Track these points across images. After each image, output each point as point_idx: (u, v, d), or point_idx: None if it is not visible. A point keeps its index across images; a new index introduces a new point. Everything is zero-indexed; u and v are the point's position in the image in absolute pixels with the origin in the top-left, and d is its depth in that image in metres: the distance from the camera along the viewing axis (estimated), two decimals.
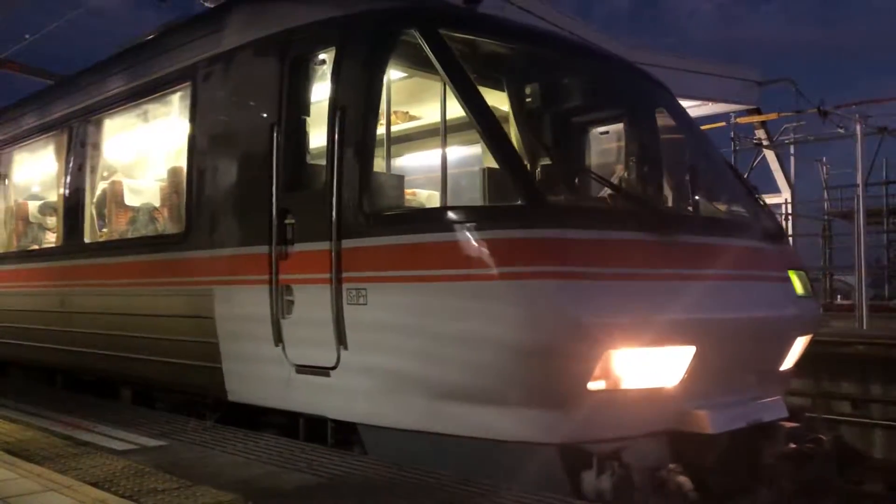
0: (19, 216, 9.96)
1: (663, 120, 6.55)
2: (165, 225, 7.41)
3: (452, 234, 4.60)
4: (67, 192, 8.25)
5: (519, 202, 4.69)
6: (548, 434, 4.45)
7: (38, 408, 6.61)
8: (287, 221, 5.36)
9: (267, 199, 5.46)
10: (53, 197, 9.18)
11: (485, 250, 4.44)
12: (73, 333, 7.77)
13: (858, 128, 17.70)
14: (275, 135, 5.47)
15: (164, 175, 7.56)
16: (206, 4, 12.31)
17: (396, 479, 4.16)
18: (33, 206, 9.89)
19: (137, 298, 6.88)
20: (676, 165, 6.30)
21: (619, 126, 6.66)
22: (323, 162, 5.24)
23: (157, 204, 7.79)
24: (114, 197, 7.94)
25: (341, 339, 4.96)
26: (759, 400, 5.16)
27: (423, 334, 4.66)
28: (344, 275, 4.94)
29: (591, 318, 4.31)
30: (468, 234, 4.54)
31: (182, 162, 6.68)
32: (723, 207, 6.06)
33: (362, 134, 5.05)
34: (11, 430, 5.60)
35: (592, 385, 4.38)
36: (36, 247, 9.42)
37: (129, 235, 7.68)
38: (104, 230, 8.06)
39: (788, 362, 5.48)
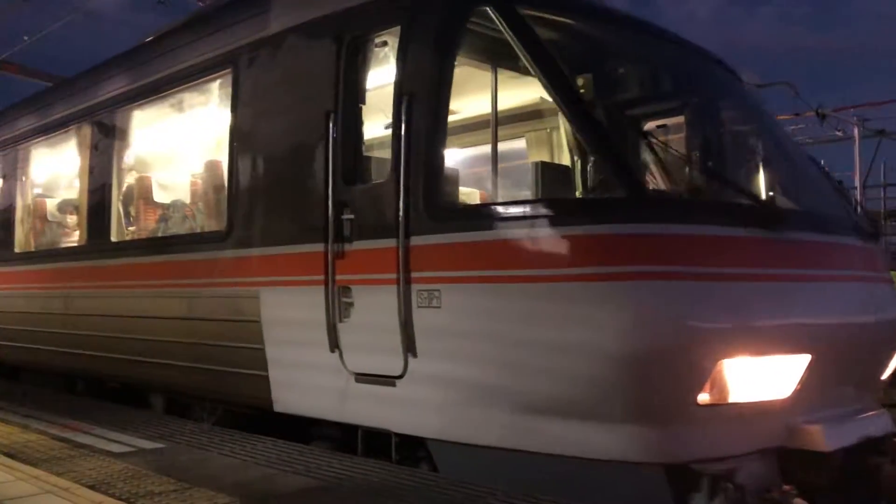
0: (37, 214, 9.52)
1: (749, 110, 6.10)
2: (202, 222, 6.95)
3: (546, 229, 4.19)
4: (91, 188, 7.81)
5: (619, 195, 4.23)
6: (651, 453, 4.00)
7: (36, 410, 6.60)
8: (345, 217, 4.94)
9: (321, 194, 5.06)
10: (74, 194, 8.86)
11: (583, 248, 4.03)
12: (97, 338, 7.35)
13: (857, 131, 17.73)
14: (330, 124, 5.07)
15: (200, 169, 7.11)
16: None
17: (395, 482, 4.15)
18: (52, 204, 9.49)
19: (171, 301, 6.43)
20: (768, 158, 5.66)
21: (710, 115, 6.06)
22: (386, 152, 4.90)
23: (190, 200, 7.38)
24: (142, 193, 7.59)
25: (409, 346, 4.55)
26: (864, 413, 4.70)
27: (508, 341, 4.21)
28: (413, 275, 4.53)
29: (706, 324, 3.93)
30: (563, 229, 4.12)
31: (221, 155, 6.34)
32: (818, 203, 5.40)
33: (433, 121, 4.63)
34: (8, 432, 5.59)
35: (702, 398, 3.96)
36: (55, 246, 8.97)
37: (160, 234, 7.26)
38: (131, 228, 7.67)
39: (888, 371, 5.05)
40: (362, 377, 4.88)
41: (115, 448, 5.03)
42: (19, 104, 10.23)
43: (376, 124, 5.19)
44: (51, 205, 9.53)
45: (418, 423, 4.65)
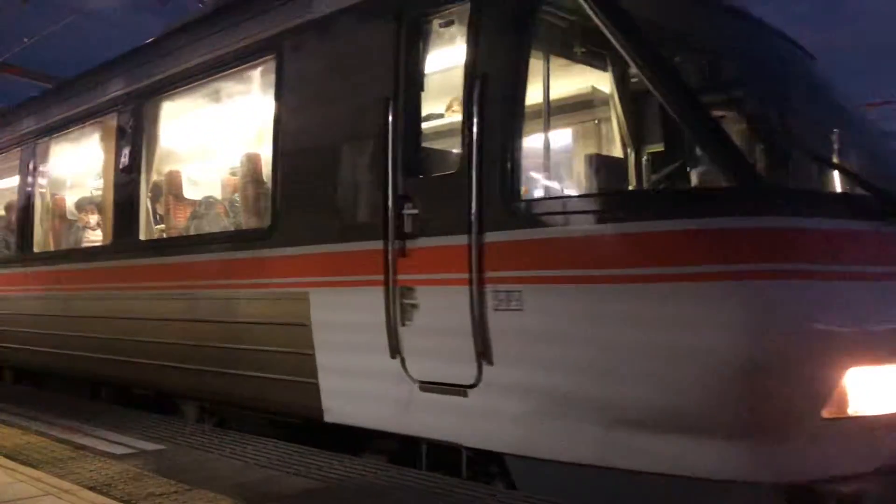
0: (55, 213, 9.05)
1: (838, 97, 5.51)
2: (240, 219, 6.51)
3: (651, 223, 3.76)
4: (117, 184, 7.31)
5: (732, 185, 3.76)
6: (771, 471, 3.59)
7: (36, 412, 6.60)
8: (406, 212, 4.55)
9: (379, 186, 4.69)
10: (96, 191, 8.51)
11: (696, 244, 3.65)
12: (123, 342, 6.89)
13: None
14: (389, 111, 4.67)
15: (237, 163, 6.65)
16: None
17: (395, 483, 4.15)
18: (70, 202, 9.07)
19: (208, 303, 5.99)
20: (869, 147, 5.15)
21: (807, 100, 5.41)
22: (453, 141, 4.59)
23: (227, 195, 6.96)
24: (171, 189, 7.16)
25: (484, 352, 4.15)
26: None
27: (605, 347, 3.81)
28: (487, 274, 4.14)
29: (834, 328, 3.57)
30: (671, 223, 3.71)
31: (262, 147, 5.99)
32: None
33: (511, 106, 4.24)
34: (9, 434, 5.59)
35: (828, 410, 3.55)
36: (76, 246, 8.39)
37: (192, 232, 6.75)
38: (159, 226, 7.24)
39: None
40: (428, 386, 4.46)
41: (116, 450, 5.03)
42: (37, 98, 9.70)
43: (440, 111, 4.88)
44: (69, 203, 9.12)
45: (494, 436, 4.22)
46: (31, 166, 9.01)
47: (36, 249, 8.84)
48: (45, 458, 4.77)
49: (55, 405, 7.02)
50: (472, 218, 4.21)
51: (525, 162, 4.36)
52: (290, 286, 5.26)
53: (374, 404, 4.78)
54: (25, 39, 15.88)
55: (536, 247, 4.04)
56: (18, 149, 9.33)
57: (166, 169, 7.30)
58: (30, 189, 9.03)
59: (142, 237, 6.96)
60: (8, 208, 10.13)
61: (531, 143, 4.67)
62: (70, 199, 9.18)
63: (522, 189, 4.36)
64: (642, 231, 3.79)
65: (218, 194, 7.11)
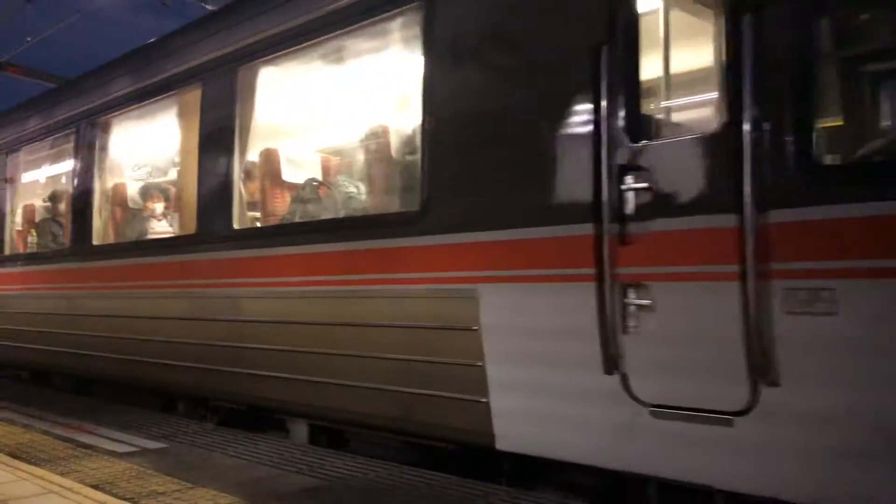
0: (115, 201, 7.93)
1: None
2: (365, 202, 5.58)
3: None
4: (203, 166, 6.23)
5: None
6: None
7: (39, 410, 6.61)
8: (629, 186, 3.58)
9: (587, 155, 3.72)
10: (170, 175, 7.68)
11: None
12: (210, 347, 5.94)
13: None
14: (602, 61, 3.69)
15: (364, 136, 5.67)
16: (208, 7, 12.31)
17: (397, 482, 4.15)
18: (133, 189, 8.00)
19: (330, 302, 5.02)
20: None
21: None
22: (697, 93, 3.87)
23: (347, 174, 5.91)
24: (268, 170, 6.10)
25: (764, 369, 3.20)
26: None
27: None
28: (774, 266, 3.18)
29: None
30: None
31: (404, 114, 5.05)
32: None
33: (800, 38, 3.21)
34: (12, 432, 5.60)
35: None
36: (147, 238, 7.34)
37: (299, 219, 5.69)
38: (251, 214, 6.21)
39: None
40: (664, 411, 3.50)
41: (119, 448, 5.04)
42: (93, 73, 8.34)
43: (674, 58, 3.94)
44: (132, 190, 8.02)
45: (771, 479, 3.26)
46: (85, 150, 7.93)
47: (96, 242, 7.72)
48: (48, 457, 4.78)
49: (58, 403, 7.03)
50: (748, 191, 3.23)
51: (831, 113, 3.35)
52: (451, 281, 4.33)
53: (574, 432, 3.82)
54: (28, 39, 15.89)
55: (864, 228, 2.98)
56: (68, 131, 8.27)
57: (261, 147, 6.20)
58: (86, 175, 7.89)
59: (235, 226, 5.88)
60: (54, 198, 9.17)
61: (842, 87, 3.51)
62: (133, 186, 8.07)
63: (836, 150, 3.34)
64: None
65: (341, 173, 6.02)
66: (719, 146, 3.37)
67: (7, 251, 9.54)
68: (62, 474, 4.32)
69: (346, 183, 5.77)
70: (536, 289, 3.95)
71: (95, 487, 4.02)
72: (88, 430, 5.67)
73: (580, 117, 3.79)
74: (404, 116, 5.13)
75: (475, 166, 4.28)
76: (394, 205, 5.26)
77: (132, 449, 5.01)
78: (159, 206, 7.50)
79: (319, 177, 6.11)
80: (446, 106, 4.47)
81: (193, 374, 6.11)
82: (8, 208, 9.75)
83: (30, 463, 4.61)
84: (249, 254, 5.67)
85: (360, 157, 5.77)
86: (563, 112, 3.88)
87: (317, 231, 5.31)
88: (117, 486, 4.04)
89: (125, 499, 3.82)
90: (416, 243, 4.52)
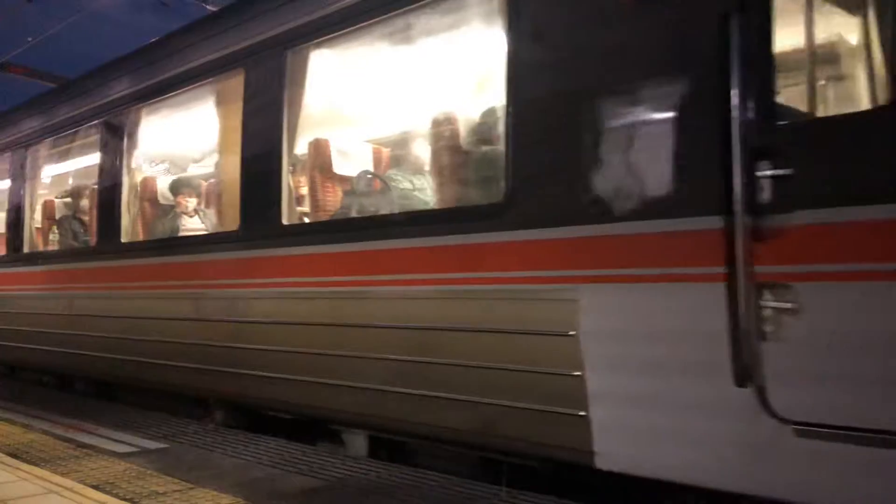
0: (144, 196, 7.47)
1: None
2: (431, 194, 5.22)
3: None
4: (247, 158, 5.71)
5: None
6: None
7: (40, 410, 6.61)
8: (767, 173, 3.16)
9: (714, 137, 3.29)
10: (206, 167, 7.31)
11: None
12: (251, 352, 5.49)
13: None
14: (733, 30, 3.24)
15: (429, 123, 5.21)
16: (210, 8, 12.31)
17: (396, 482, 4.16)
18: (163, 184, 7.55)
19: (396, 304, 4.56)
20: None
21: None
22: (848, 67, 3.46)
23: (398, 166, 5.60)
24: (317, 162, 5.72)
25: None
26: None
27: None
28: None
29: None
30: None
31: (486, 93, 4.68)
32: None
33: None
34: (12, 432, 5.61)
35: None
36: (184, 235, 6.92)
37: (356, 214, 5.30)
38: (299, 209, 5.87)
39: None
40: (812, 430, 3.09)
41: (119, 448, 5.04)
42: (121, 60, 7.73)
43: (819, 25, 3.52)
44: (161, 184, 7.57)
45: None
46: (114, 142, 7.42)
47: (125, 240, 7.20)
48: (48, 457, 4.79)
49: (58, 403, 7.03)
50: None
51: None
52: (544, 281, 3.89)
53: (694, 451, 3.40)
54: (29, 39, 15.91)
55: None
56: (93, 123, 7.78)
57: (310, 137, 5.80)
58: (115, 170, 7.35)
59: (285, 221, 5.41)
60: (76, 194, 8.77)
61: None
62: (161, 181, 7.62)
63: None
64: None
65: (371, 166, 5.69)
66: (887, 125, 2.93)
67: (27, 249, 9.03)
68: (62, 474, 4.32)
69: (400, 177, 5.42)
70: (651, 290, 3.52)
71: (96, 487, 4.03)
72: (88, 430, 5.68)
73: (707, 95, 3.35)
74: (484, 98, 4.73)
75: (573, 153, 3.78)
76: (468, 197, 4.83)
77: (132, 449, 5.02)
78: (191, 202, 7.14)
79: (375, 168, 5.71)
80: (541, 86, 3.98)
81: (243, 382, 5.59)
82: (28, 204, 9.14)
83: (30, 463, 4.61)
84: (302, 251, 5.20)
85: (426, 147, 5.36)
86: (685, 89, 3.44)
87: (373, 227, 4.88)
88: (117, 487, 4.04)
89: (125, 499, 3.82)
90: (498, 239, 4.04)
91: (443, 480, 4.16)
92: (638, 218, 3.52)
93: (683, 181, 3.42)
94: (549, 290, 3.82)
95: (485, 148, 4.74)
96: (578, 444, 3.71)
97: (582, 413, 3.67)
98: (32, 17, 15.67)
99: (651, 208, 3.49)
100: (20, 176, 9.18)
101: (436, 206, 5.02)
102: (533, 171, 3.94)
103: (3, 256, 9.37)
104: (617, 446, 3.62)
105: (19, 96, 10.80)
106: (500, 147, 4.23)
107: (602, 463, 3.66)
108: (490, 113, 4.74)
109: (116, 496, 3.88)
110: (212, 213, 7.01)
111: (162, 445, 5.14)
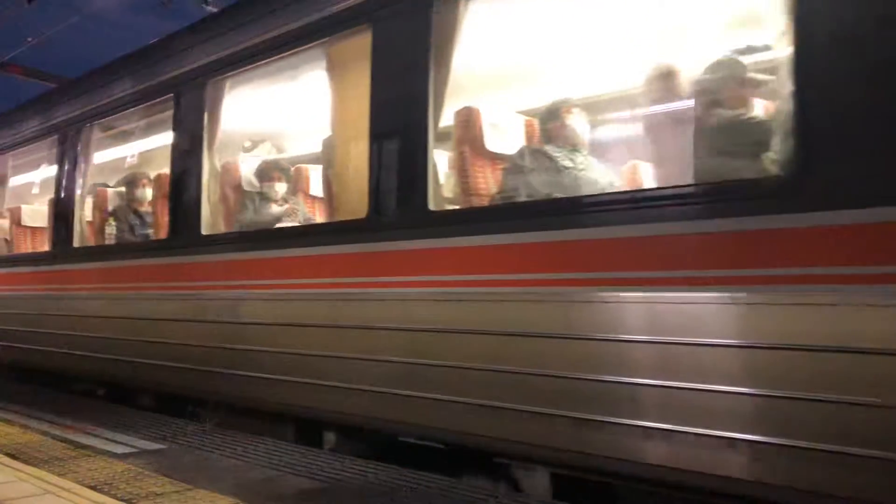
0: (228, 182, 6.42)
1: None
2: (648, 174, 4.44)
3: None
4: (378, 131, 4.73)
5: None
6: None
7: (38, 410, 6.61)
8: None
9: None
10: (306, 149, 6.58)
11: None
12: (377, 363, 4.54)
13: None
14: None
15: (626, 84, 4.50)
16: (210, 9, 12.31)
17: (394, 484, 4.15)
18: (247, 169, 6.54)
19: (612, 308, 3.51)
20: None
21: None
22: None
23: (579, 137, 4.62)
24: (469, 136, 4.78)
25: None
26: None
27: None
28: None
29: None
30: None
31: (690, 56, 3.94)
32: None
33: None
34: (10, 433, 5.60)
35: None
36: (269, 227, 6.01)
37: (525, 196, 4.35)
38: (450, 195, 4.81)
39: None
40: None
41: (117, 449, 5.04)
42: (192, 28, 6.76)
43: None
44: (246, 170, 6.54)
45: None
46: (186, 121, 6.36)
47: (205, 232, 6.11)
48: (45, 457, 4.78)
49: (56, 404, 7.02)
50: None
51: None
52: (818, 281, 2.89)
53: None
54: (29, 39, 15.91)
55: None
56: (158, 99, 6.81)
57: (456, 106, 4.80)
58: (187, 153, 6.33)
59: (431, 207, 4.41)
60: (132, 182, 7.80)
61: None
62: (245, 166, 6.60)
63: None
64: None
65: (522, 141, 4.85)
66: None
67: (77, 244, 7.79)
68: (60, 475, 4.31)
69: (560, 154, 4.49)
70: None
71: (93, 488, 4.02)
72: (87, 430, 5.67)
73: None
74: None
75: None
76: (675, 174, 3.88)
77: (130, 450, 5.01)
78: (280, 188, 6.30)
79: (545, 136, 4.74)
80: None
81: (339, 396, 4.76)
82: (80, 193, 7.91)
83: (28, 463, 4.60)
84: (462, 243, 4.19)
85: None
86: None
87: (559, 213, 3.89)
88: (115, 488, 4.03)
89: (123, 500, 3.81)
90: (779, 224, 2.99)
91: (440, 482, 4.15)
92: None
93: None
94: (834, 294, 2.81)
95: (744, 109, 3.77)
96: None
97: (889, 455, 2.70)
98: (32, 18, 15.67)
99: None
100: (69, 162, 7.98)
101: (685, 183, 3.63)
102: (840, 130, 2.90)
103: (44, 252, 8.25)
104: None
105: (19, 96, 10.78)
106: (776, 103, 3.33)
107: None
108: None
109: (114, 497, 3.87)
110: (308, 200, 6.21)
111: (160, 446, 5.14)
